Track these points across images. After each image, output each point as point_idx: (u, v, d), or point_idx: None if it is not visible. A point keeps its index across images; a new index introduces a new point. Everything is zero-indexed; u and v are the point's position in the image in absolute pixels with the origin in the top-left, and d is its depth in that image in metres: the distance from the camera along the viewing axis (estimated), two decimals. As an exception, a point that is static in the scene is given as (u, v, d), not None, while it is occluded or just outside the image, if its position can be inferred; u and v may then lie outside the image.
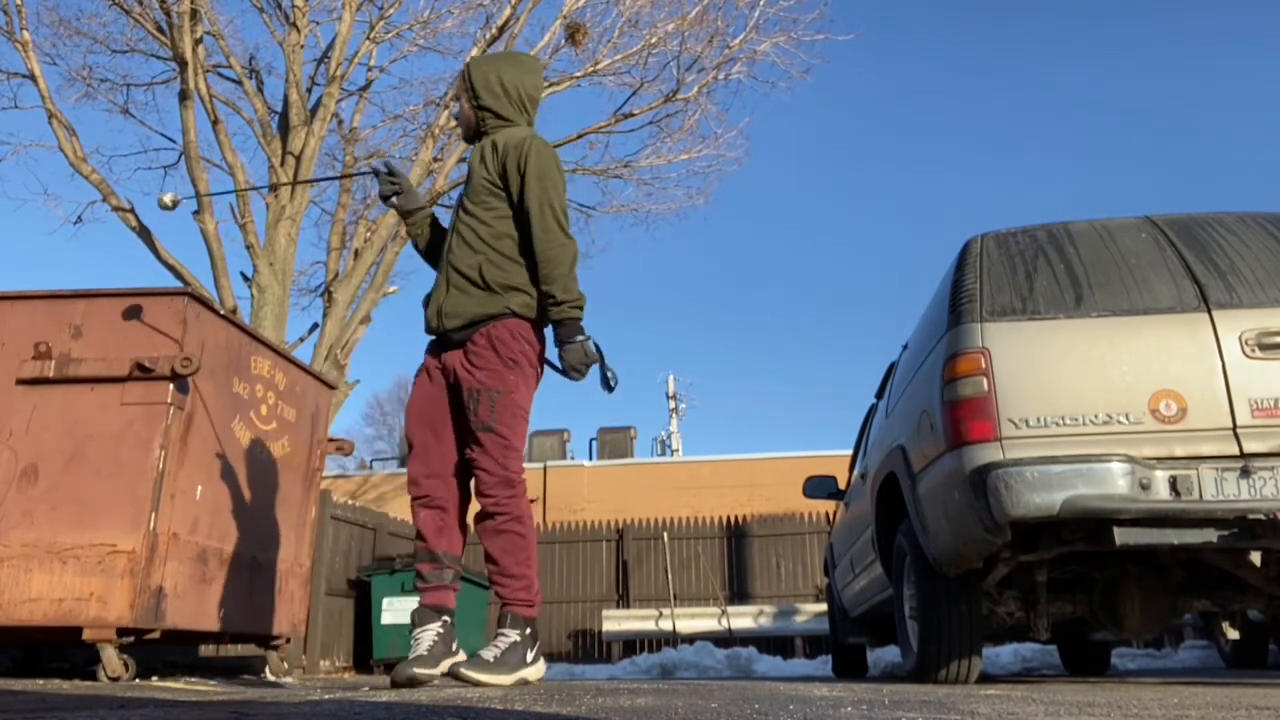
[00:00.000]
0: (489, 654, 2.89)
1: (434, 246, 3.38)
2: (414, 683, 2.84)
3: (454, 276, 3.04)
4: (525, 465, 3.19)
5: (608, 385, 3.04)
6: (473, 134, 3.27)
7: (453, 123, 12.11)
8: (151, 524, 4.08)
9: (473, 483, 3.05)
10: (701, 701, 2.13)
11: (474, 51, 11.84)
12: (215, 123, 11.28)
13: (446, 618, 3.01)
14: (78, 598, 3.98)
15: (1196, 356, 3.26)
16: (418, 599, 3.06)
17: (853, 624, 6.32)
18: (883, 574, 4.71)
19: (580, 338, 2.96)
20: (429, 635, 2.94)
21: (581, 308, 2.99)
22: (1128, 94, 57.40)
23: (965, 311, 3.52)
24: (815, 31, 12.82)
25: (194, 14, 10.73)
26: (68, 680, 4.13)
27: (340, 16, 11.80)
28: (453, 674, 2.86)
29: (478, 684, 2.80)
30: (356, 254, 11.52)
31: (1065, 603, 3.83)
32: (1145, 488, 3.10)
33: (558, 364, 3.02)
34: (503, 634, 2.95)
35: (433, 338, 3.17)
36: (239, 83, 12.00)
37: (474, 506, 3.10)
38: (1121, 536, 3.12)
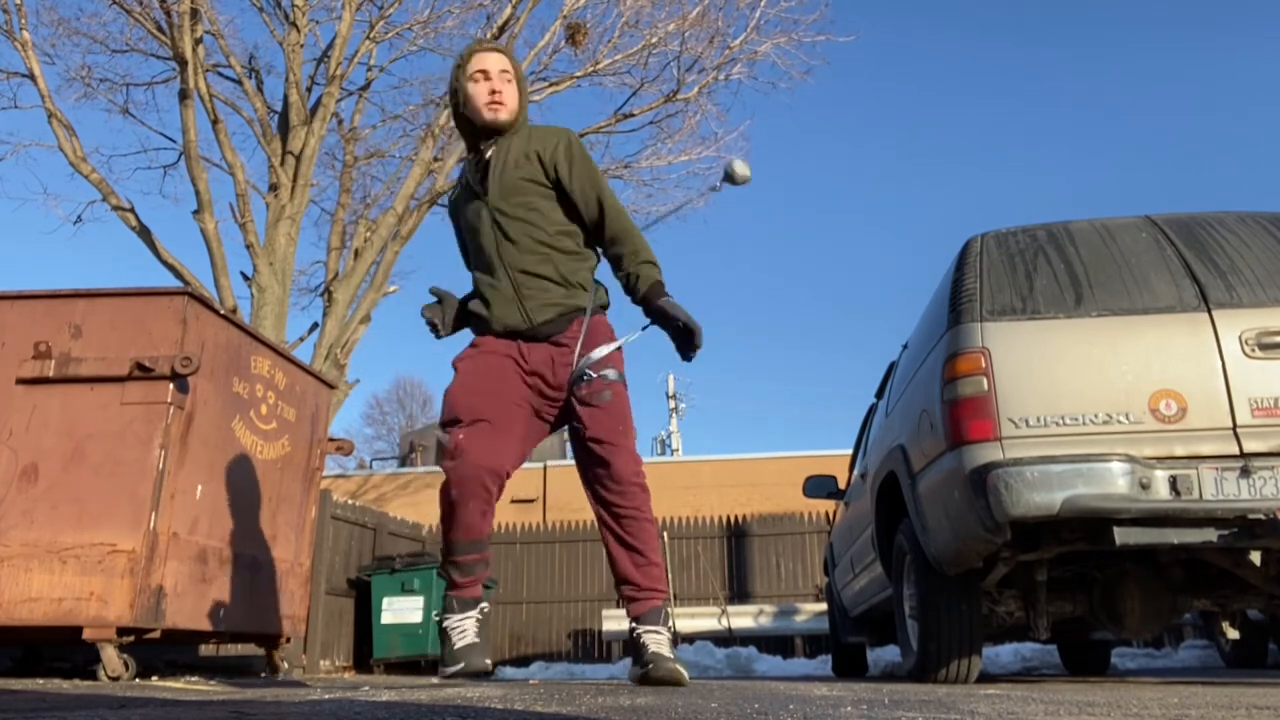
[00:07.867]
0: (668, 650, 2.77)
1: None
2: (486, 673, 2.76)
3: (522, 278, 2.92)
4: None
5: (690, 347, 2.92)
6: (504, 126, 2.98)
7: (452, 122, 12.06)
8: (151, 524, 4.08)
9: (599, 478, 2.83)
10: (701, 701, 2.12)
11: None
12: (215, 122, 11.27)
13: (485, 605, 2.92)
14: (78, 597, 3.98)
15: (1196, 356, 3.26)
16: (451, 588, 2.84)
17: (853, 623, 6.32)
18: (883, 573, 4.71)
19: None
20: (472, 623, 2.83)
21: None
22: (1128, 92, 57.39)
23: (965, 311, 3.52)
24: (816, 32, 12.82)
25: (194, 13, 10.73)
26: (68, 680, 4.13)
27: (340, 16, 11.79)
28: (669, 678, 2.68)
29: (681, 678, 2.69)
30: (356, 254, 11.51)
31: (1065, 602, 3.83)
32: (1145, 487, 3.10)
33: (666, 324, 2.92)
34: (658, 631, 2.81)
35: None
36: (239, 82, 12.00)
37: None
38: (1121, 536, 3.12)
